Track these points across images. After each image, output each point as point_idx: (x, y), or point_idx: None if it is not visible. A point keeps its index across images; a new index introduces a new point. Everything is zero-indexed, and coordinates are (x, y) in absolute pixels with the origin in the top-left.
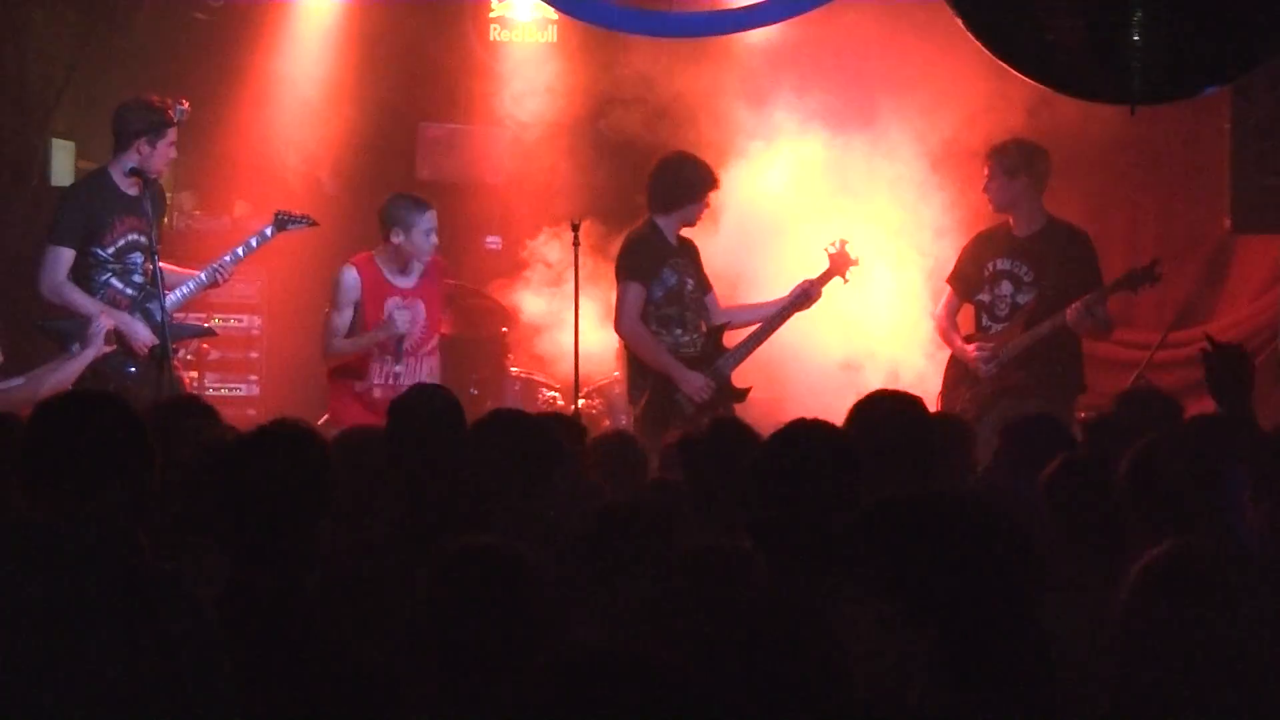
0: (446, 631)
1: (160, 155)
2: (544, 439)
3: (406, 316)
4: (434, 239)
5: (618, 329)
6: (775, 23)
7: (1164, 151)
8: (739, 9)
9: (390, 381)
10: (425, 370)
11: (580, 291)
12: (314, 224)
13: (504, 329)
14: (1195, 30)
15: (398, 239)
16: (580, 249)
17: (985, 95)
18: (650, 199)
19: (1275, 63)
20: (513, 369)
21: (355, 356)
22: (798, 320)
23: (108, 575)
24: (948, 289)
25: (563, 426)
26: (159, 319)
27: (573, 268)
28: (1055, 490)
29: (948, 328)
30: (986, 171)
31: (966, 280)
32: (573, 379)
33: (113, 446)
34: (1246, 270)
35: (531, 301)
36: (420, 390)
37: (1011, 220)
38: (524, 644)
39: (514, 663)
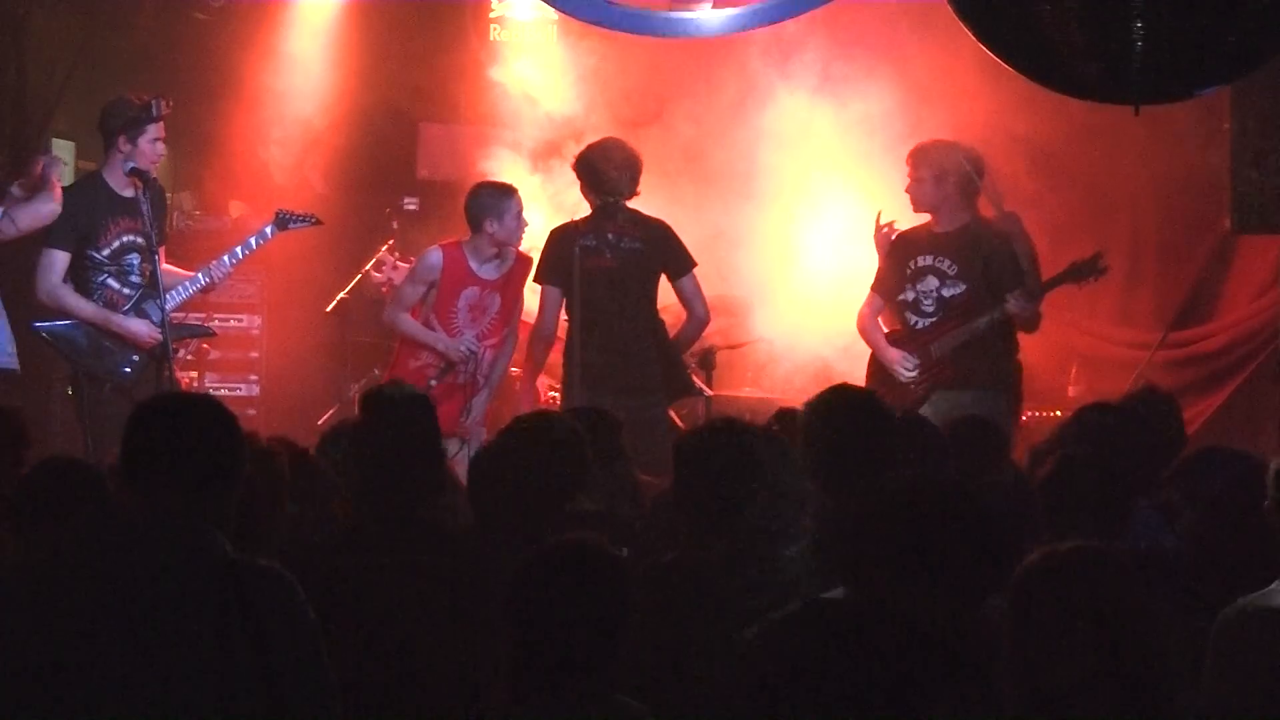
0: (528, 630)
1: (142, 152)
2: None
3: (471, 346)
4: (524, 221)
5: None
6: (776, 23)
7: (1164, 151)
8: (739, 9)
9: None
10: (486, 361)
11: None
12: (318, 223)
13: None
14: (1195, 31)
15: (492, 228)
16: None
17: (984, 94)
18: None
19: (1275, 63)
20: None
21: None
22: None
23: (206, 570)
24: (869, 293)
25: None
26: (155, 319)
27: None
28: (1051, 489)
29: (870, 326)
30: (909, 174)
31: (887, 283)
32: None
33: (213, 448)
34: (1246, 270)
35: (532, 300)
36: (392, 385)
37: (933, 219)
38: (607, 643)
39: (595, 662)
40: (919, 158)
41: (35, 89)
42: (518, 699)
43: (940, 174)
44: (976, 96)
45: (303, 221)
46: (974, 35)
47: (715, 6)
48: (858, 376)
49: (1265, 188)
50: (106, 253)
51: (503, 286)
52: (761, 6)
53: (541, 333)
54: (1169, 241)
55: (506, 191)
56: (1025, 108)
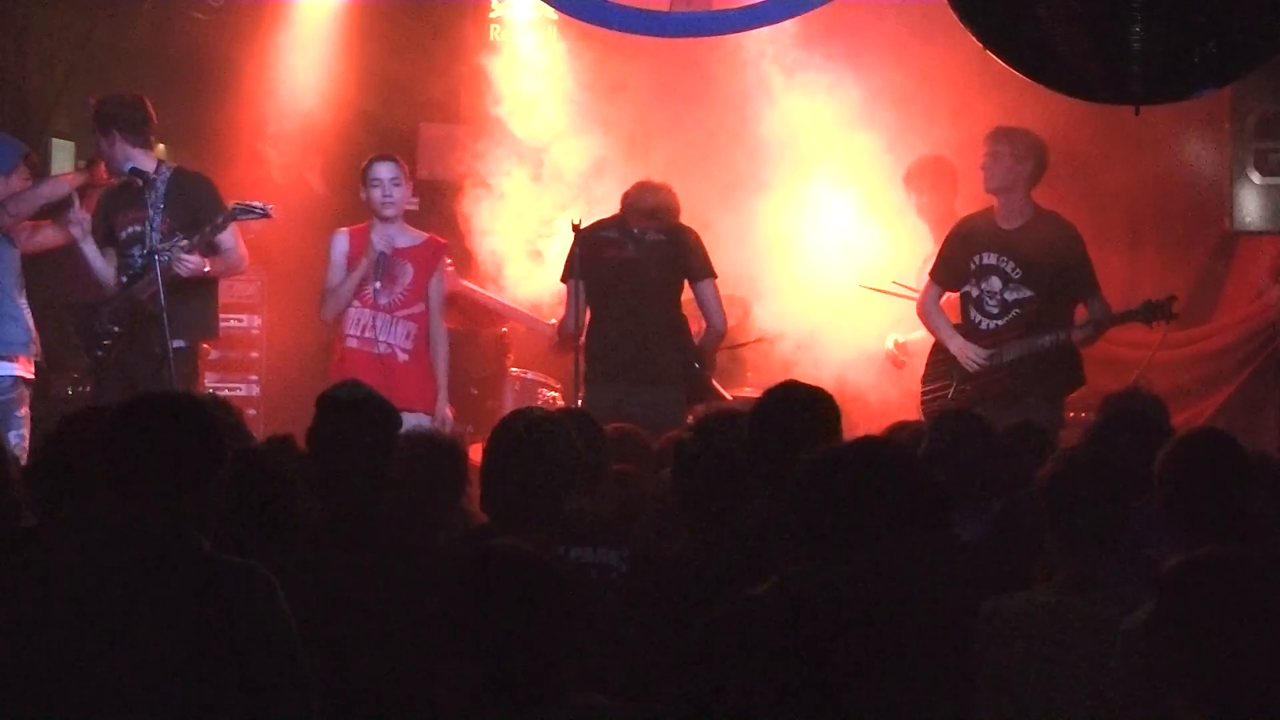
0: (469, 634)
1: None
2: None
3: (386, 238)
4: (389, 192)
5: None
6: (775, 22)
7: (1164, 151)
8: (739, 9)
9: (365, 334)
10: (402, 332)
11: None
12: (267, 214)
13: (504, 328)
14: (1195, 30)
15: (364, 195)
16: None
17: (984, 94)
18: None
19: (1275, 63)
20: (513, 369)
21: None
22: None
23: (185, 569)
24: (928, 280)
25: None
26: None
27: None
28: (1054, 490)
29: (933, 311)
30: (988, 150)
31: (951, 271)
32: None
33: (191, 448)
34: (1246, 270)
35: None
36: (348, 384)
37: (998, 208)
38: (545, 645)
39: (536, 665)
40: (1001, 134)
41: (35, 89)
42: (466, 706)
43: (1022, 154)
44: (976, 96)
45: (252, 212)
46: (974, 35)
47: (716, 6)
48: (860, 374)
49: (1265, 188)
50: (120, 241)
51: (414, 257)
52: (762, 6)
53: (565, 329)
54: (1169, 241)
55: (374, 159)
56: (1025, 107)
